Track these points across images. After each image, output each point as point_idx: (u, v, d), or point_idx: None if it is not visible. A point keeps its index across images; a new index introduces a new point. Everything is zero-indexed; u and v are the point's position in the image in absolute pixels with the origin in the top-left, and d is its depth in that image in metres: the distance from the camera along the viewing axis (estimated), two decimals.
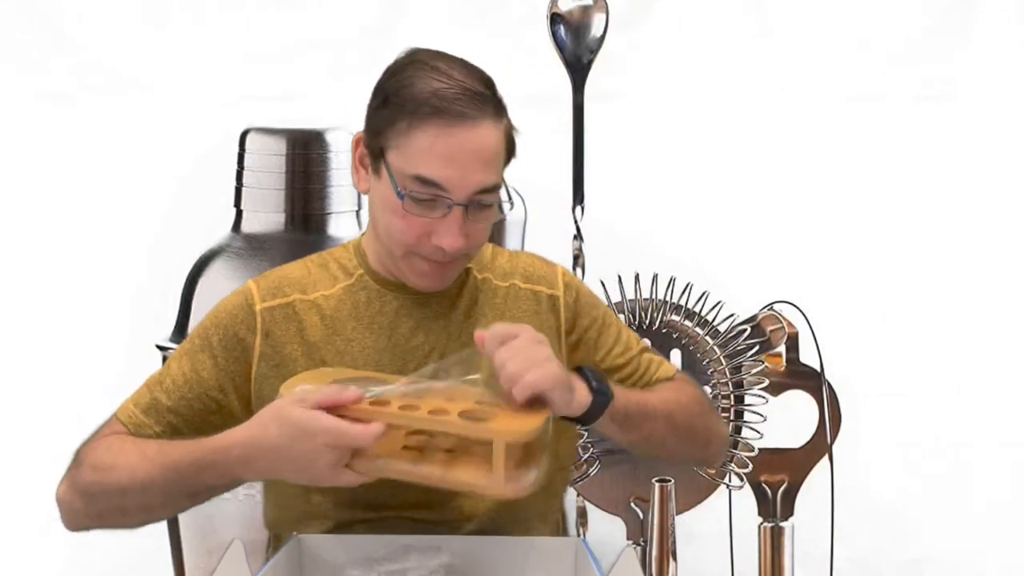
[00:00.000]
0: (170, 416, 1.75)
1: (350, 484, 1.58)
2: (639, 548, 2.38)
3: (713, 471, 2.38)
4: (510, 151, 1.74)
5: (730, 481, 2.40)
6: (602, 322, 1.89)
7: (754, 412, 2.40)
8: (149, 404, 1.75)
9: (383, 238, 1.74)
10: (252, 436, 1.59)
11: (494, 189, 1.70)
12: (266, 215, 2.70)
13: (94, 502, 1.69)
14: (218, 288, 2.66)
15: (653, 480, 2.23)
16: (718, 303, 2.43)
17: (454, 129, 1.65)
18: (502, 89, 1.74)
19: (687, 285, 2.43)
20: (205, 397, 1.76)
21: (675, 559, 2.46)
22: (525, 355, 1.58)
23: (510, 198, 2.44)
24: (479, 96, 1.68)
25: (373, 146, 1.72)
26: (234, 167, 2.75)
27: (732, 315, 2.43)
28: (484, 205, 1.70)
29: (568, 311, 1.86)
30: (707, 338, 2.42)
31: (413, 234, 1.69)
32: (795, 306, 2.45)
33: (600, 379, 1.70)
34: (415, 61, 1.71)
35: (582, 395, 1.66)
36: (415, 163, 1.66)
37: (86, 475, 1.69)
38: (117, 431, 1.75)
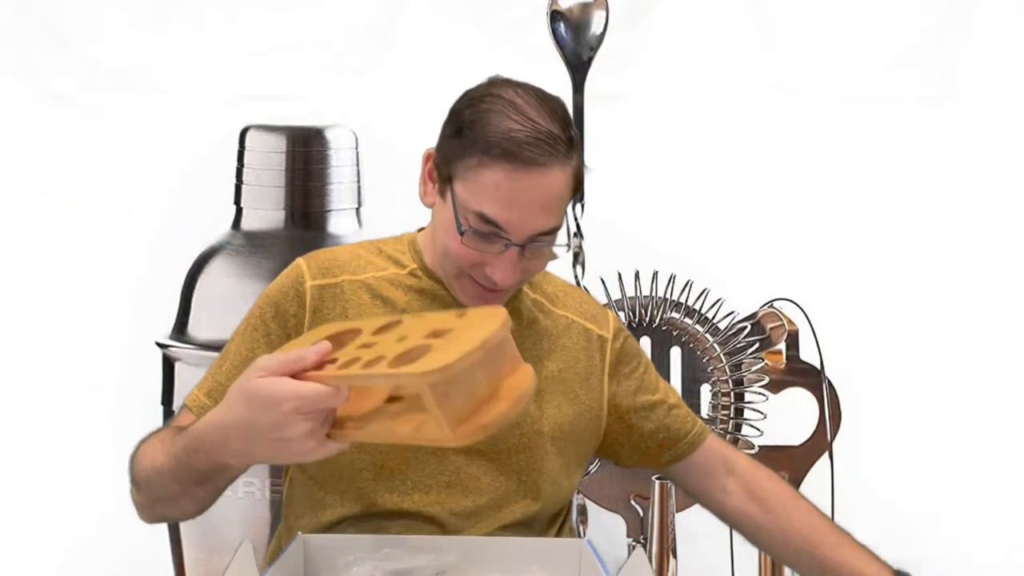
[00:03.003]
0: None
1: (330, 454, 1.47)
2: (638, 546, 2.38)
3: None
4: (577, 187, 1.76)
5: None
6: (643, 369, 1.94)
7: (754, 410, 2.40)
8: (212, 387, 1.77)
9: (439, 256, 1.77)
10: (222, 416, 1.52)
11: (552, 232, 1.73)
12: (266, 212, 2.70)
13: (139, 491, 1.71)
14: (218, 285, 2.67)
15: (653, 478, 2.23)
16: (718, 300, 2.43)
17: (521, 174, 1.67)
18: None
19: (687, 283, 2.43)
20: None
21: (675, 557, 2.46)
22: None
23: (575, 235, 2.47)
24: (551, 139, 1.69)
25: (443, 170, 1.74)
26: (234, 164, 2.75)
27: (732, 312, 2.44)
28: (540, 245, 1.73)
29: (613, 355, 1.90)
30: (707, 336, 2.42)
31: (468, 261, 1.73)
32: (795, 303, 2.45)
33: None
34: (493, 95, 1.72)
35: None
36: (479, 200, 1.68)
37: (131, 467, 1.71)
38: (182, 420, 1.74)
